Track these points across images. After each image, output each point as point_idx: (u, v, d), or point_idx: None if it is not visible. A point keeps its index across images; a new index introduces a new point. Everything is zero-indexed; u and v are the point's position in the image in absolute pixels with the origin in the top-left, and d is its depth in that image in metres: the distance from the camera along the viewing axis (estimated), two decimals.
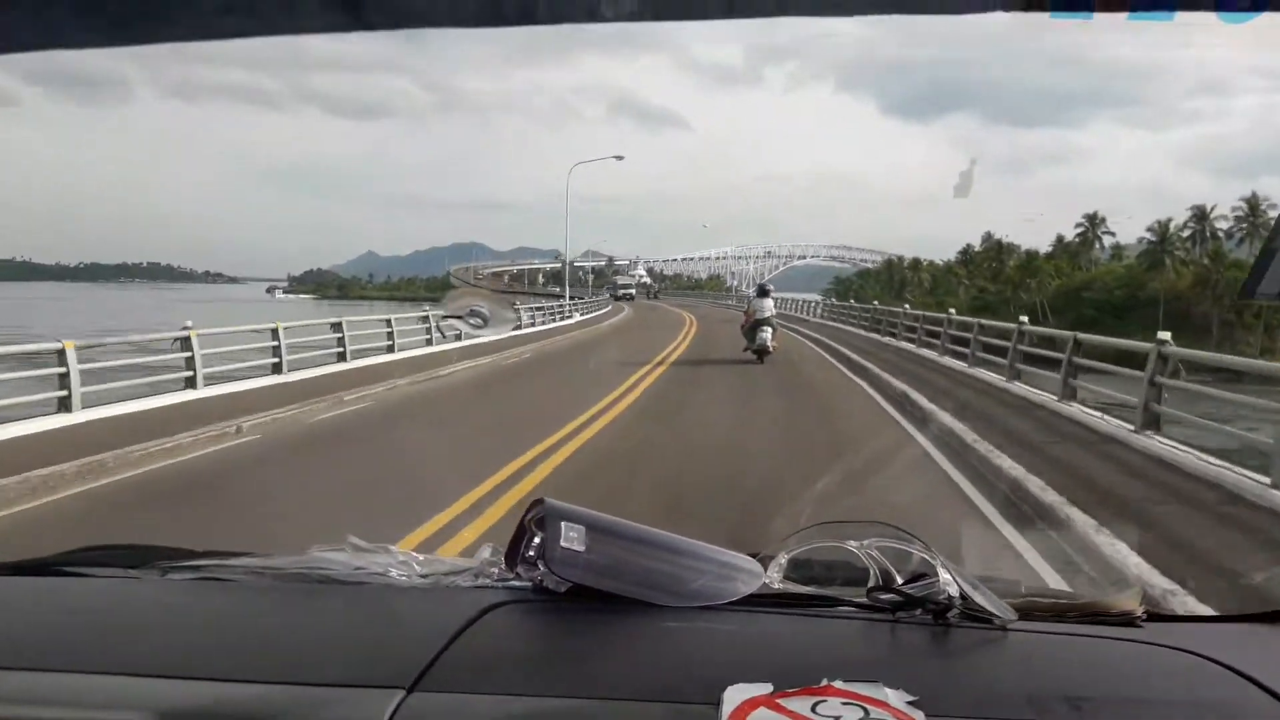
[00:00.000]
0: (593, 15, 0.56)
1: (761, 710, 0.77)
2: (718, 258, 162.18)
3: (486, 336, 17.30)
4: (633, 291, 79.12)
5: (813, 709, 0.78)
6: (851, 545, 1.16)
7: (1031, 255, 79.49)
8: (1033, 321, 15.90)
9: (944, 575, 1.05)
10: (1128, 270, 68.75)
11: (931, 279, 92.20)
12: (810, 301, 40.93)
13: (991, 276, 78.05)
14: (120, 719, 0.77)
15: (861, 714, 0.77)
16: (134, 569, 1.26)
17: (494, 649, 0.97)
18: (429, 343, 17.66)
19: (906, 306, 21.65)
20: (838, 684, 0.82)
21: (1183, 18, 0.57)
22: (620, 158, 40.53)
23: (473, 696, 0.84)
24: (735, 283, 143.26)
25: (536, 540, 1.11)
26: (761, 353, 17.38)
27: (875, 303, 27.80)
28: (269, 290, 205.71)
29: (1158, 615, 1.12)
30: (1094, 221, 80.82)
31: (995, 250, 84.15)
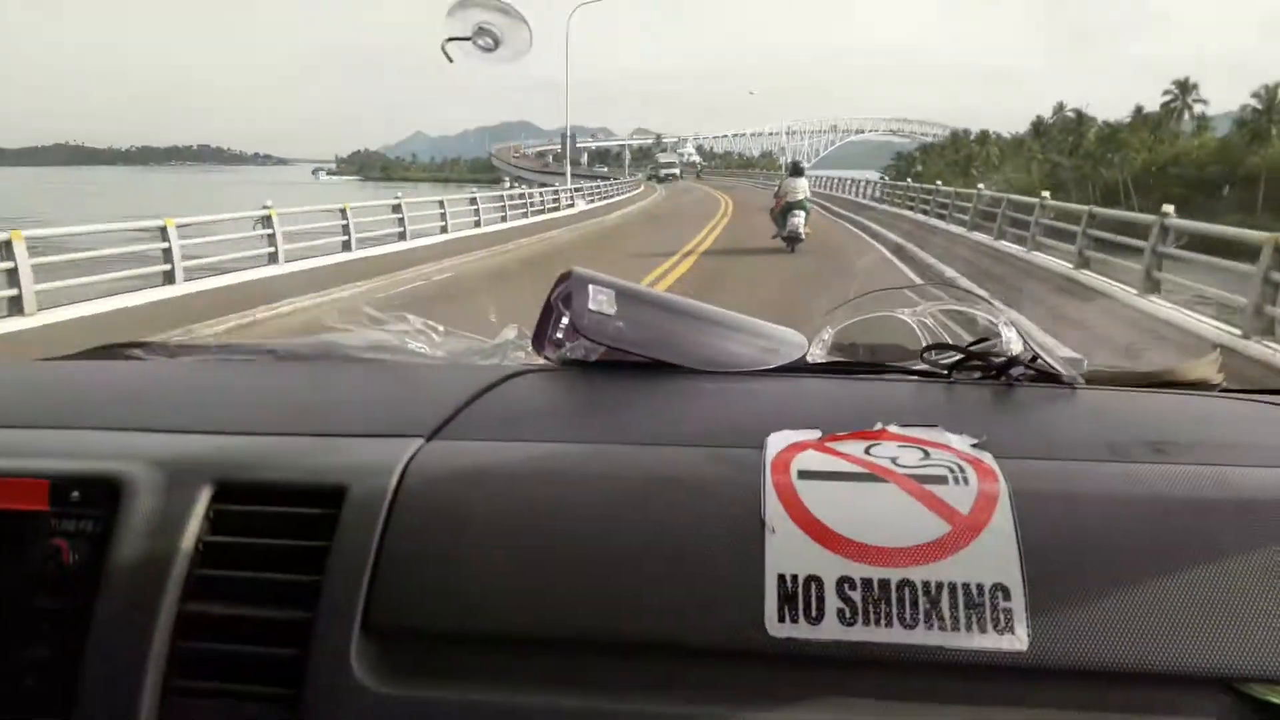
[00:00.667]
0: None
1: (810, 452, 0.73)
2: (771, 133, 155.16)
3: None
4: (676, 171, 76.00)
5: (866, 451, 0.73)
6: (904, 314, 1.07)
7: (1114, 127, 70.25)
8: (1114, 202, 13.71)
9: (1008, 334, 1.00)
10: (1223, 143, 60.02)
11: (1000, 153, 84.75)
12: (865, 182, 34.96)
13: (1069, 150, 71.05)
14: (118, 467, 0.74)
15: (922, 454, 0.72)
16: (142, 354, 1.21)
17: (522, 405, 0.94)
18: (477, 224, 18.29)
19: (981, 187, 18.45)
20: (893, 428, 0.77)
21: None
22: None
23: (496, 443, 0.80)
24: (788, 159, 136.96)
25: (564, 320, 1.04)
26: (793, 240, 15.33)
27: (938, 183, 23.55)
28: (314, 172, 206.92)
29: (1233, 389, 1.04)
30: (1184, 89, 71.56)
31: (1074, 121, 75.05)
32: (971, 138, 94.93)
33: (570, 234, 19.95)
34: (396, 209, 14.99)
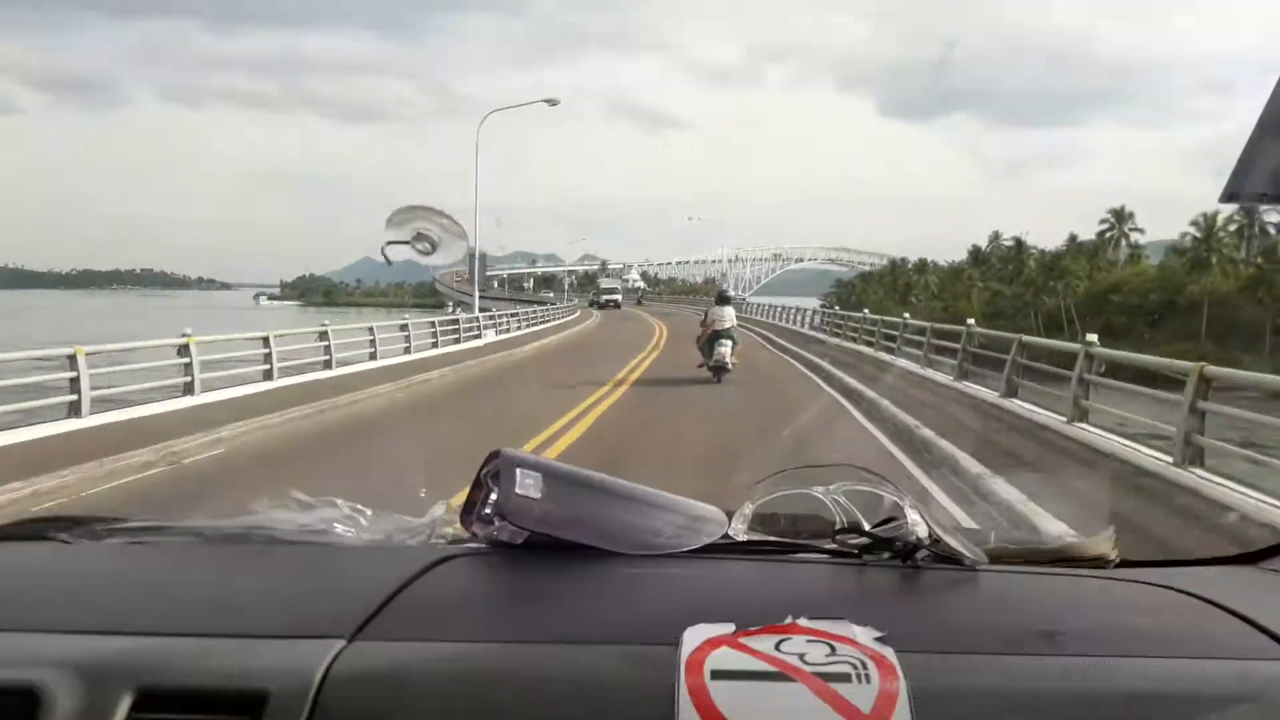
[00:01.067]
0: None
1: (723, 649, 0.76)
2: (714, 260, 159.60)
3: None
4: (618, 297, 72.04)
5: (776, 646, 0.76)
6: (818, 491, 1.13)
7: (1055, 255, 71.05)
8: (1057, 329, 13.39)
9: (913, 516, 1.04)
10: (1162, 270, 60.86)
11: (939, 281, 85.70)
12: (807, 311, 34.30)
13: (1009, 279, 71.38)
14: (35, 675, 0.73)
15: (828, 650, 0.76)
16: (66, 536, 1.19)
17: (444, 598, 0.94)
18: (407, 350, 18.05)
19: (906, 315, 18.78)
20: (803, 621, 0.81)
21: None
22: (554, 102, 29.48)
23: (420, 644, 0.81)
24: (729, 286, 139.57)
25: (493, 496, 1.07)
26: (719, 370, 14.88)
27: (865, 311, 24.36)
28: (255, 297, 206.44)
29: (1131, 561, 1.11)
30: (1120, 218, 72.25)
31: (1014, 249, 75.56)
32: (910, 266, 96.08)
33: (459, 373, 16.87)
34: (324, 335, 14.98)
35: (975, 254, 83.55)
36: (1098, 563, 1.07)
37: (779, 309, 39.05)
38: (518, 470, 1.02)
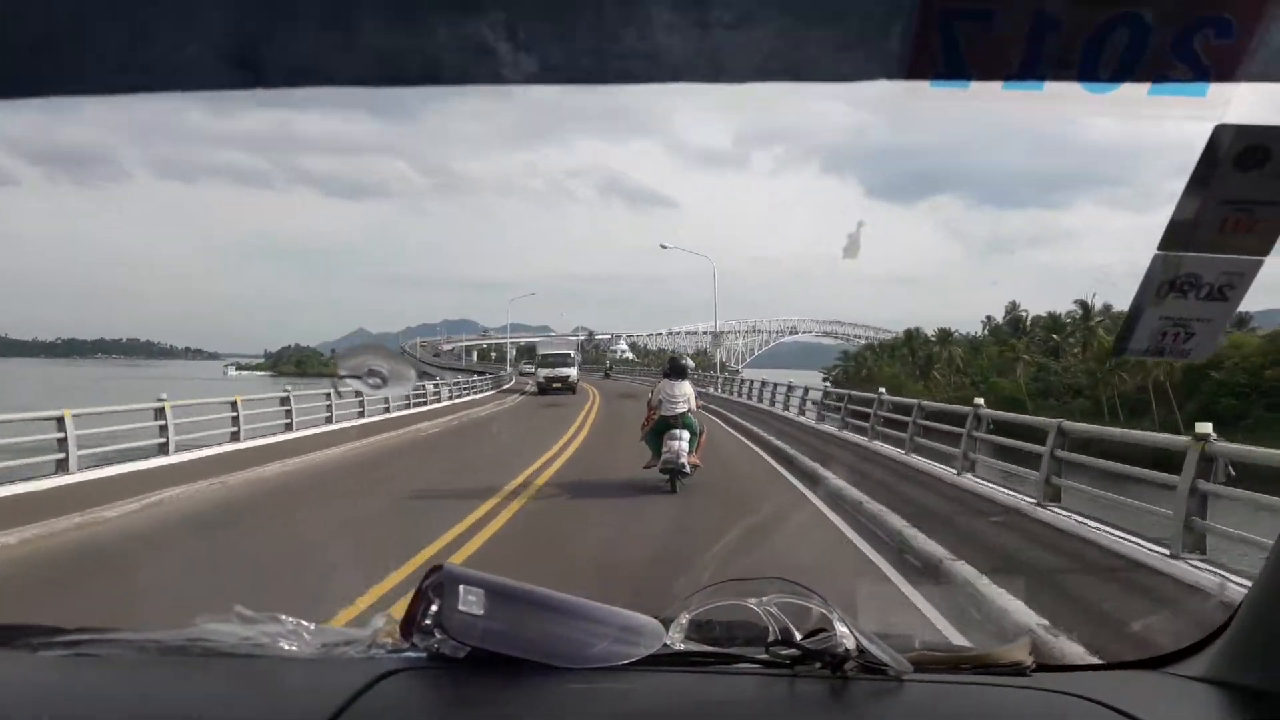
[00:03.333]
0: (495, 77, 0.60)
1: None
2: (705, 332, 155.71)
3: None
4: (569, 373, 40.45)
5: None
6: (751, 603, 1.16)
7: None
8: (1137, 416, 10.09)
9: (840, 628, 1.09)
10: (1270, 340, 46.63)
11: (964, 355, 72.57)
12: (805, 389, 24.33)
13: (1052, 350, 59.48)
14: None
15: None
16: (2, 647, 1.19)
17: (387, 717, 0.94)
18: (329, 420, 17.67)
19: (980, 401, 11.56)
20: None
21: (1051, 88, 0.62)
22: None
23: None
24: (724, 358, 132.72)
25: (434, 607, 1.08)
26: (674, 474, 10.05)
27: (882, 391, 16.34)
28: (224, 367, 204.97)
29: (1046, 665, 1.14)
30: (1086, 307, 60.46)
31: (1081, 316, 59.43)
32: (926, 336, 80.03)
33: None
34: (285, 401, 15.71)
35: (1015, 323, 70.97)
36: (1015, 668, 1.11)
37: (763, 385, 27.89)
38: (460, 587, 1.04)
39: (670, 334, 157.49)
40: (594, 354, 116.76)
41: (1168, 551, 6.20)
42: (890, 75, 0.59)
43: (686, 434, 10.22)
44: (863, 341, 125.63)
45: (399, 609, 1.17)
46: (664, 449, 10.10)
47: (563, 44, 0.58)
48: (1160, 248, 0.92)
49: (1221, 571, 5.61)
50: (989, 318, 75.80)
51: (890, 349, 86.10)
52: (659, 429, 10.39)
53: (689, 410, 10.48)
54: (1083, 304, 59.58)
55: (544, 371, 40.87)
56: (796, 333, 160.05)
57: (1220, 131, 0.81)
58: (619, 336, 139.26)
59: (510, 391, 40.00)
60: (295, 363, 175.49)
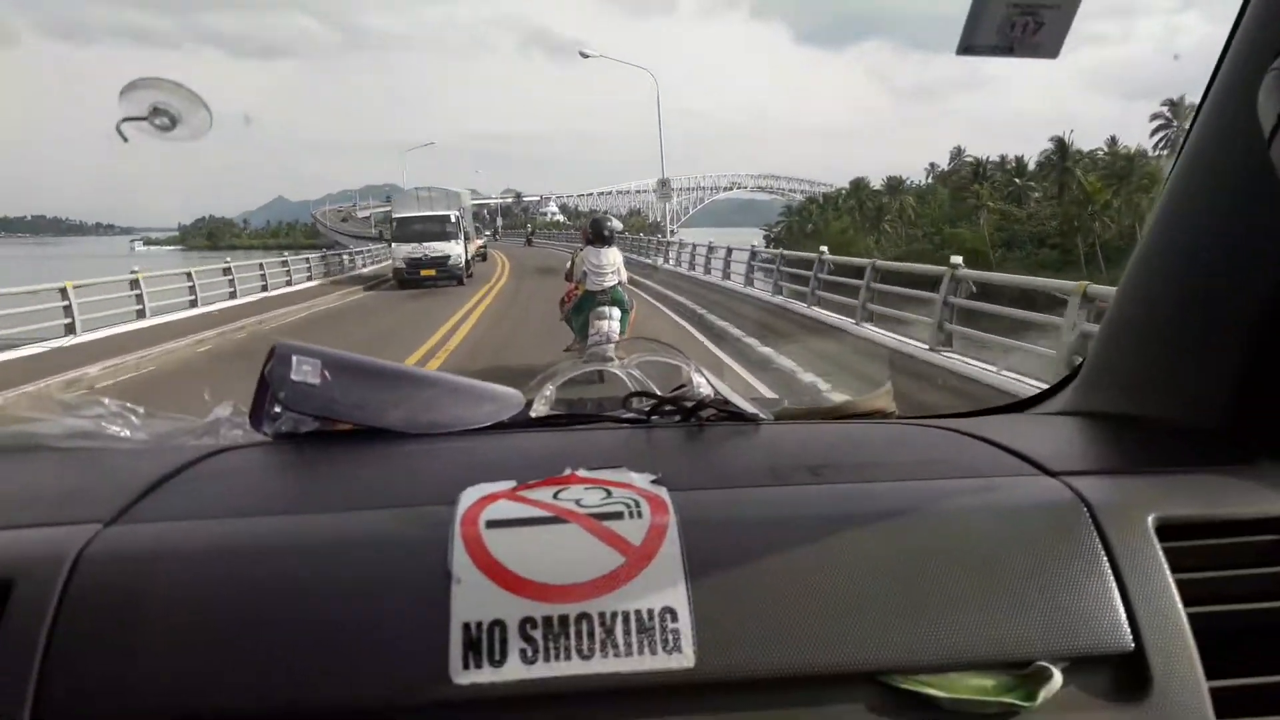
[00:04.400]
0: None
1: (501, 502, 0.77)
2: (638, 191, 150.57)
3: None
4: (451, 251, 23.13)
5: (554, 496, 0.77)
6: (613, 367, 1.16)
7: (1119, 157, 49.81)
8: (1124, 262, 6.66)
9: (699, 379, 1.09)
10: None
11: (915, 204, 65.84)
12: (750, 251, 19.49)
13: (1015, 196, 52.81)
14: None
15: (604, 494, 0.78)
16: None
17: (213, 484, 0.90)
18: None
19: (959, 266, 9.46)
20: (581, 472, 0.82)
21: None
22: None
23: (183, 523, 0.78)
24: (659, 218, 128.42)
25: (281, 394, 1.01)
26: (603, 359, 6.82)
27: (824, 250, 13.71)
28: (131, 243, 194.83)
29: (907, 416, 1.14)
30: (1177, 111, 52.50)
31: (1058, 155, 52.74)
32: (877, 187, 72.79)
33: None
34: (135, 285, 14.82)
35: (977, 169, 62.67)
36: (877, 415, 1.13)
37: (697, 249, 23.01)
38: (294, 357, 0.98)
39: (602, 194, 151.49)
40: (522, 218, 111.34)
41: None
42: None
43: (617, 311, 8.30)
44: (800, 196, 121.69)
45: (246, 402, 1.08)
46: (590, 330, 8.23)
47: None
48: None
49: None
50: (932, 165, 71.54)
51: (834, 201, 79.38)
52: (582, 306, 8.44)
53: (619, 283, 8.49)
54: (1059, 141, 53.78)
55: (403, 250, 23.17)
56: (732, 189, 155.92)
57: None
58: (548, 198, 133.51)
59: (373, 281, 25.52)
60: (206, 235, 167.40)
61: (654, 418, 1.05)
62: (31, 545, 0.74)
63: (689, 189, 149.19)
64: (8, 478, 0.96)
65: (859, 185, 74.55)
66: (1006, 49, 0.95)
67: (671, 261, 25.34)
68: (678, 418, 1.04)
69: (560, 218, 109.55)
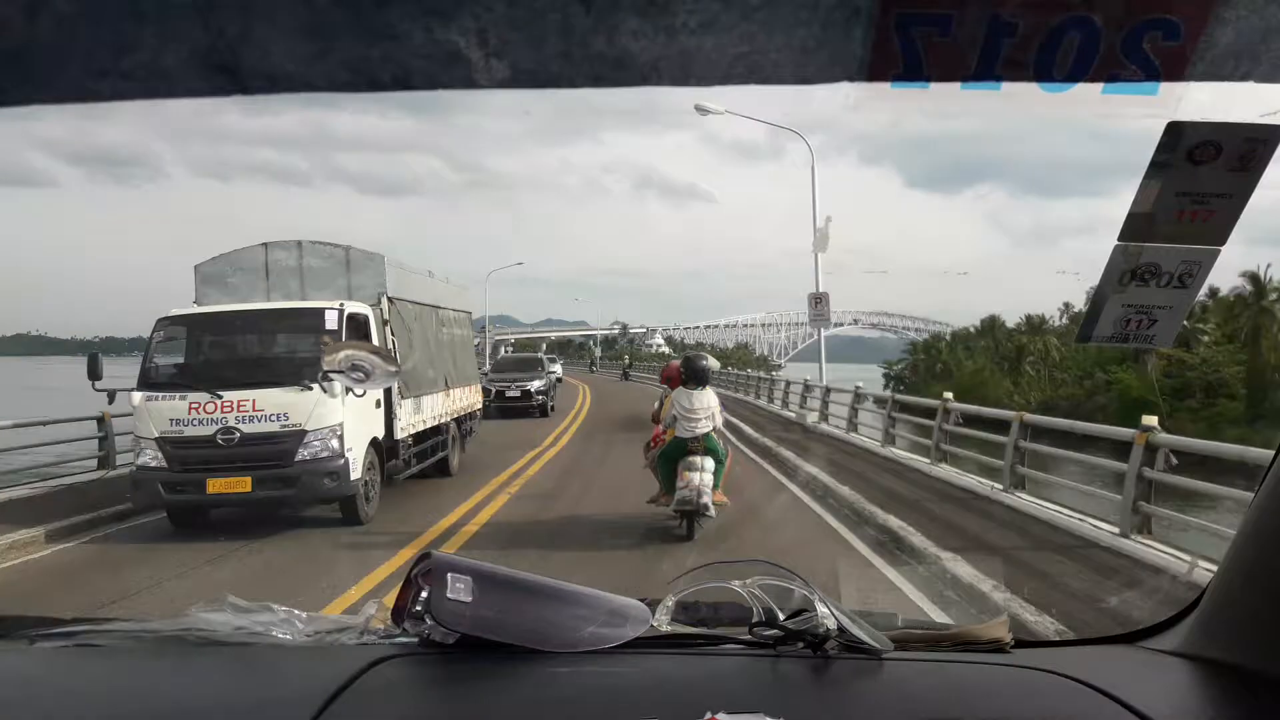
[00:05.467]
0: (467, 83, 0.62)
1: None
2: (745, 325, 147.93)
3: None
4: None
5: None
6: (735, 585, 1.19)
7: None
8: None
9: (822, 609, 1.11)
10: None
11: (1059, 344, 55.12)
12: (865, 392, 16.88)
13: (1192, 340, 40.42)
14: None
15: None
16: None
17: (379, 704, 0.97)
18: None
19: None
20: (721, 717, 0.85)
21: (1008, 88, 0.65)
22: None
23: None
24: (765, 352, 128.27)
25: (424, 594, 1.11)
26: (692, 515, 7.44)
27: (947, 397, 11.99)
28: None
29: (1024, 642, 1.20)
30: (1259, 284, 42.28)
31: (1253, 293, 41.29)
32: (1013, 327, 62.26)
33: None
34: None
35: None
36: (994, 645, 1.14)
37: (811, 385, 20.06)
38: (449, 575, 1.06)
39: (709, 327, 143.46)
40: (628, 349, 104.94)
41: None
42: (851, 78, 0.62)
43: (710, 462, 7.46)
44: (913, 334, 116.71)
45: (390, 598, 1.18)
46: (679, 482, 7.41)
47: (532, 50, 0.59)
48: (1120, 238, 0.97)
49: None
50: (1067, 304, 60.44)
51: (963, 340, 68.63)
52: (671, 454, 7.61)
53: (713, 429, 7.65)
54: (1253, 277, 42.47)
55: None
56: (840, 325, 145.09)
57: (1173, 128, 0.86)
58: (654, 330, 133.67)
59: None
60: None
61: (779, 647, 1.09)
62: None
63: (794, 324, 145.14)
64: (186, 682, 1.04)
65: (994, 323, 64.14)
66: (1122, 340, 1.04)
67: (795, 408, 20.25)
68: (800, 646, 1.09)
69: (666, 349, 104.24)
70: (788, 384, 22.53)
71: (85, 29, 0.58)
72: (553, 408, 24.08)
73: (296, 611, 1.22)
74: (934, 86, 0.64)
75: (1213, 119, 0.85)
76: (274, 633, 1.17)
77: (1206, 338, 41.17)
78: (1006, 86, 0.64)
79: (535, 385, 23.35)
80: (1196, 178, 0.89)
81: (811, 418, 17.91)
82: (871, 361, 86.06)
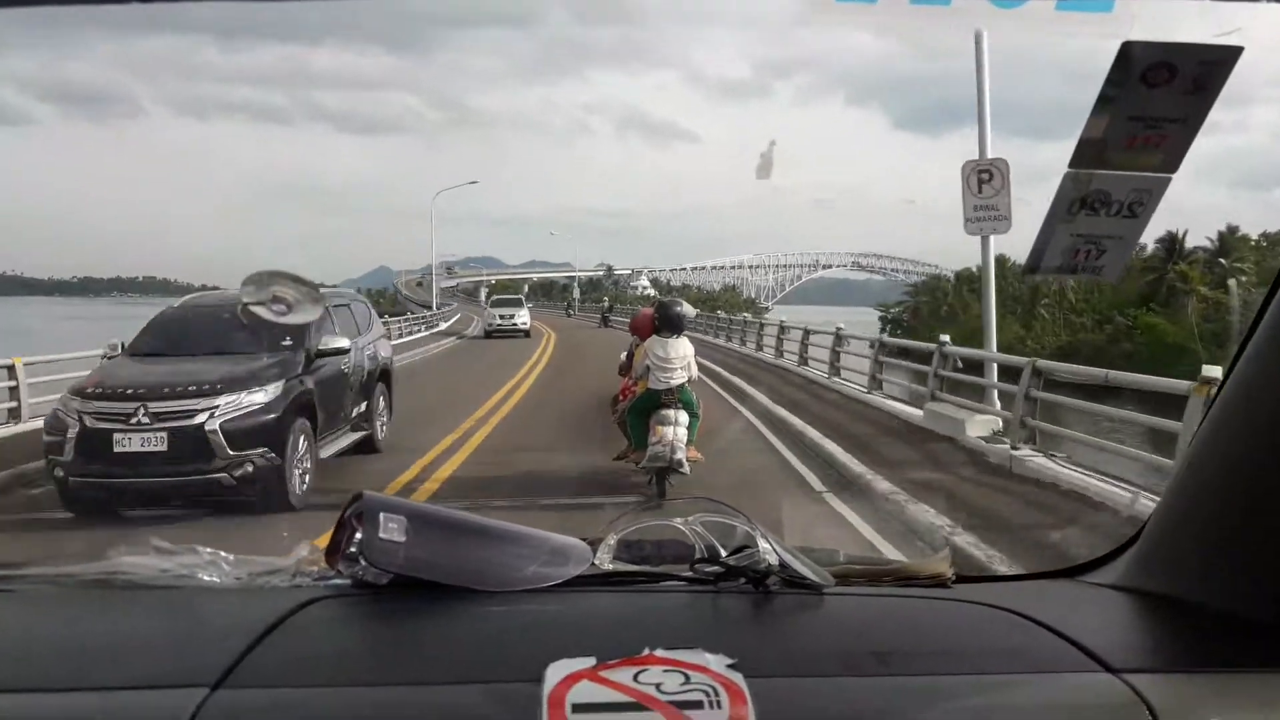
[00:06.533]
0: None
1: (584, 683, 0.81)
2: (732, 267, 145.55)
3: None
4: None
5: (634, 678, 0.81)
6: (678, 522, 1.19)
7: None
8: None
9: (763, 545, 1.12)
10: None
11: (1076, 287, 46.32)
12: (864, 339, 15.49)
13: (1216, 282, 37.81)
14: None
15: (683, 679, 0.81)
16: None
17: (308, 643, 0.97)
18: None
19: None
20: (659, 652, 0.86)
21: (959, 4, 0.61)
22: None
23: (284, 690, 0.83)
24: (753, 295, 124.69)
25: (357, 535, 1.09)
26: (664, 472, 6.98)
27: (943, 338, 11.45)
28: None
29: (966, 577, 1.21)
30: (1176, 242, 41.00)
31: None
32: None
33: None
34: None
35: (1171, 246, 42.00)
36: (936, 580, 1.15)
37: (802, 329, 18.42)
38: (382, 514, 1.05)
39: (696, 269, 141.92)
40: (614, 291, 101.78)
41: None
42: None
43: (685, 415, 7.02)
44: (903, 276, 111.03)
45: (323, 540, 1.17)
46: (652, 437, 6.92)
47: None
48: (1071, 165, 0.94)
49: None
50: (1170, 234, 49.73)
51: (968, 282, 58.81)
52: (643, 407, 7.14)
53: (688, 379, 7.18)
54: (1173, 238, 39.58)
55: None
56: (829, 266, 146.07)
57: (1128, 48, 0.81)
58: (640, 272, 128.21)
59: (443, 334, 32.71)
60: None
61: (719, 583, 1.09)
62: (142, 712, 0.77)
63: (782, 266, 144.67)
64: (107, 624, 1.04)
65: (1002, 264, 49.75)
66: (1070, 270, 1.03)
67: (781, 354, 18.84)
68: (741, 581, 1.09)
69: (652, 291, 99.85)
70: (781, 326, 20.19)
71: None
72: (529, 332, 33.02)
73: (224, 554, 1.20)
74: (880, 1, 0.62)
75: (1168, 40, 0.82)
76: (201, 575, 1.16)
77: (1245, 278, 38.31)
78: (957, 2, 0.63)
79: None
80: (1150, 101, 0.87)
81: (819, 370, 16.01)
82: (861, 304, 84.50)
